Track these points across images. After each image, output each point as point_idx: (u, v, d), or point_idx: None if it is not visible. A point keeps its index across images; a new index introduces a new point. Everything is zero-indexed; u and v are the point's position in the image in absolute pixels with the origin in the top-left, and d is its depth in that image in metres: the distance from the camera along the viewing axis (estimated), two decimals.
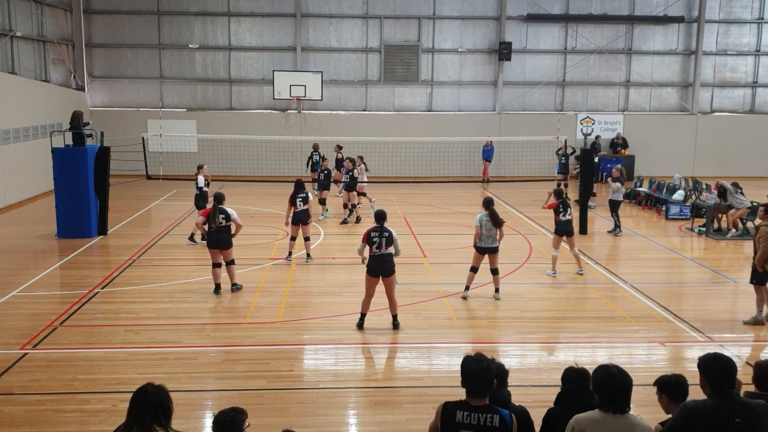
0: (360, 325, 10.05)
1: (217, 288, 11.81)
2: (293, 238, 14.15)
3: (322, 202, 18.72)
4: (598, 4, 27.65)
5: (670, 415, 4.66)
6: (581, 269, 13.14)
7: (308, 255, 14.15)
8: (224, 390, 8.11)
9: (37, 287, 12.13)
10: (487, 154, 25.77)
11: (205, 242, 15.32)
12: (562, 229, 12.81)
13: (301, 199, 13.84)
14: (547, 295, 12.14)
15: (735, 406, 4.35)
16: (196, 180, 15.56)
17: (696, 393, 4.99)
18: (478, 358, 4.57)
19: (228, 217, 11.68)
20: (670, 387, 4.75)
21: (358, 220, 18.00)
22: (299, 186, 14.02)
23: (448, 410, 4.47)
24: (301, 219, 13.89)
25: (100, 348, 9.34)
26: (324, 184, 18.60)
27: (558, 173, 21.96)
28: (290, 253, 14.14)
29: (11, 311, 10.86)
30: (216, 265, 11.83)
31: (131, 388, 4.64)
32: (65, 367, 8.64)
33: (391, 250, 9.89)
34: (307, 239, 14.17)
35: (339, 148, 22.12)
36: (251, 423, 4.52)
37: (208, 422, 7.38)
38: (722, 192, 17.13)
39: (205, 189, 15.52)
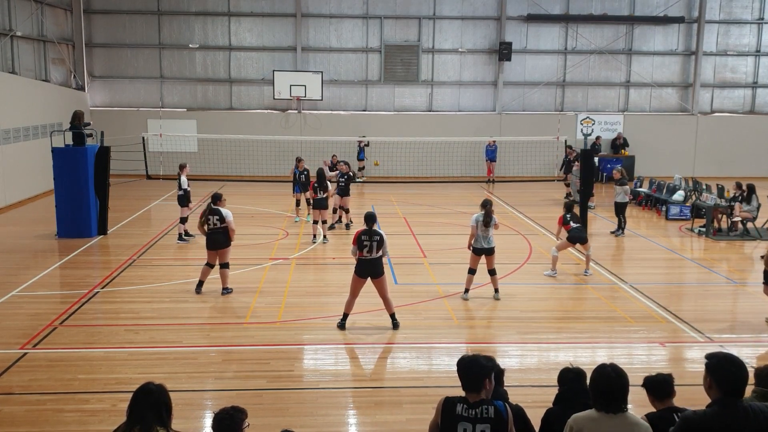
0: (341, 326, 10.02)
1: (199, 285, 11.77)
2: (315, 222, 15.86)
3: (298, 203, 18.19)
4: (598, 4, 27.66)
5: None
6: (588, 271, 13.10)
7: (324, 237, 15.76)
8: (224, 390, 8.12)
9: (37, 287, 12.13)
10: (491, 153, 25.78)
11: (193, 237, 15.52)
12: (573, 237, 12.79)
13: (321, 189, 15.59)
14: (547, 295, 12.14)
15: (740, 417, 3.96)
16: (179, 180, 15.53)
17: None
18: (470, 353, 4.76)
19: (222, 219, 11.52)
20: (651, 385, 4.91)
21: (347, 226, 17.35)
22: (321, 177, 15.61)
23: (448, 403, 4.57)
24: (321, 205, 15.62)
25: (100, 348, 9.35)
26: (304, 186, 17.69)
27: (563, 172, 22.08)
28: (314, 236, 15.69)
29: (11, 311, 10.86)
30: (209, 265, 11.78)
31: (131, 388, 4.64)
32: (65, 367, 8.64)
33: (381, 253, 9.85)
34: (324, 222, 15.98)
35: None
36: (250, 423, 4.52)
37: (208, 422, 7.38)
38: (750, 190, 16.89)
39: (188, 189, 15.52)
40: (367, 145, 25.45)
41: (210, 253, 11.71)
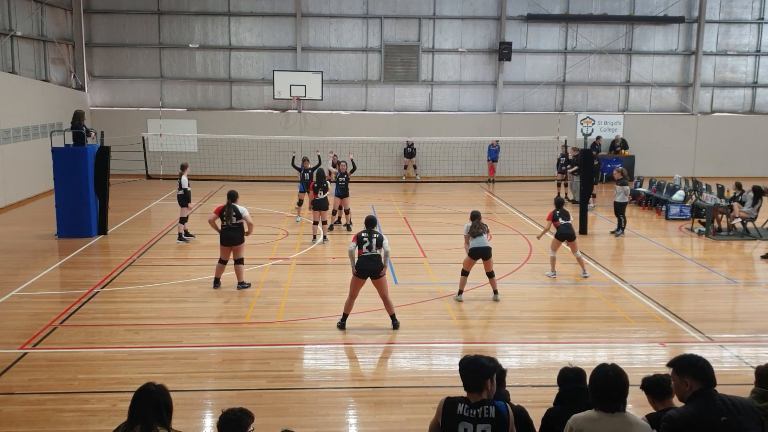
0: (341, 326, 10.03)
1: (216, 282, 12.03)
2: (315, 223, 15.76)
3: (300, 203, 18.17)
4: (598, 4, 27.65)
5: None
6: (586, 272, 13.05)
7: (324, 237, 15.77)
8: (224, 390, 8.12)
9: (37, 287, 12.14)
10: (493, 154, 25.80)
11: (193, 237, 15.61)
12: (561, 234, 12.73)
13: (321, 189, 15.53)
14: (547, 296, 12.14)
15: (717, 405, 4.32)
16: (179, 179, 15.56)
17: None
18: (472, 354, 4.75)
19: (239, 215, 11.77)
20: (650, 386, 4.93)
21: (347, 227, 17.14)
22: (320, 176, 15.58)
23: (449, 403, 4.58)
24: (321, 206, 15.57)
25: (100, 348, 9.35)
26: (307, 185, 17.90)
27: (558, 173, 22.14)
28: (314, 237, 15.68)
29: (11, 311, 10.86)
30: (222, 261, 12.02)
31: (131, 388, 4.64)
32: (65, 367, 8.64)
33: (381, 252, 9.87)
34: (324, 223, 15.99)
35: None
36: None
37: (208, 422, 7.40)
38: (758, 192, 16.86)
39: (189, 189, 15.56)
40: (412, 146, 26.19)
41: (224, 249, 11.90)
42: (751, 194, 16.84)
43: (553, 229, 12.96)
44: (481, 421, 4.45)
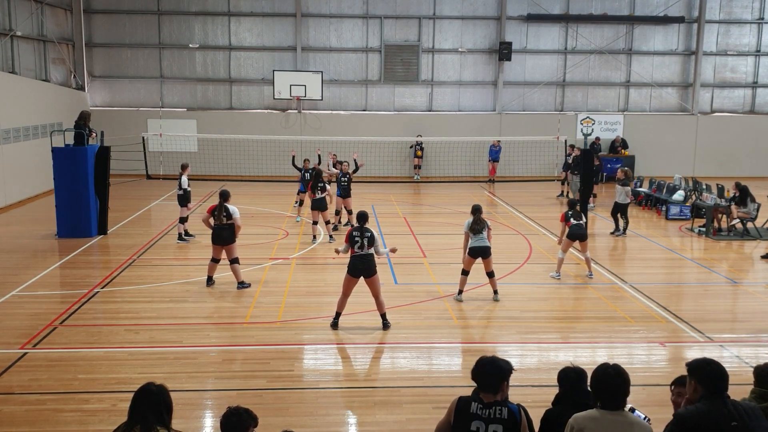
0: (334, 324, 10.04)
1: (209, 280, 12.10)
2: (315, 223, 15.74)
3: (301, 203, 18.20)
4: (598, 4, 27.65)
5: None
6: (591, 273, 13.01)
7: (330, 237, 15.67)
8: (224, 390, 8.12)
9: (37, 287, 12.14)
10: (495, 154, 25.81)
11: (193, 237, 15.62)
12: (573, 234, 12.67)
13: (320, 188, 15.40)
14: (547, 296, 12.14)
15: (729, 409, 4.30)
16: (179, 179, 15.56)
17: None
18: (489, 356, 4.77)
19: (229, 216, 11.77)
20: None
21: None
22: (318, 176, 15.51)
23: (462, 402, 4.59)
24: (320, 206, 15.41)
25: (100, 347, 9.35)
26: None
27: (563, 170, 22.22)
28: (314, 237, 15.66)
29: (11, 311, 10.86)
30: (214, 260, 12.05)
31: (131, 388, 4.64)
32: (65, 367, 8.64)
33: (372, 250, 9.87)
34: (327, 222, 15.72)
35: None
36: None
37: (208, 422, 7.40)
38: (743, 192, 16.85)
39: (189, 189, 15.57)
40: (419, 145, 26.31)
41: (215, 248, 11.95)
42: (737, 195, 16.89)
43: (566, 230, 12.94)
44: (493, 421, 4.47)
